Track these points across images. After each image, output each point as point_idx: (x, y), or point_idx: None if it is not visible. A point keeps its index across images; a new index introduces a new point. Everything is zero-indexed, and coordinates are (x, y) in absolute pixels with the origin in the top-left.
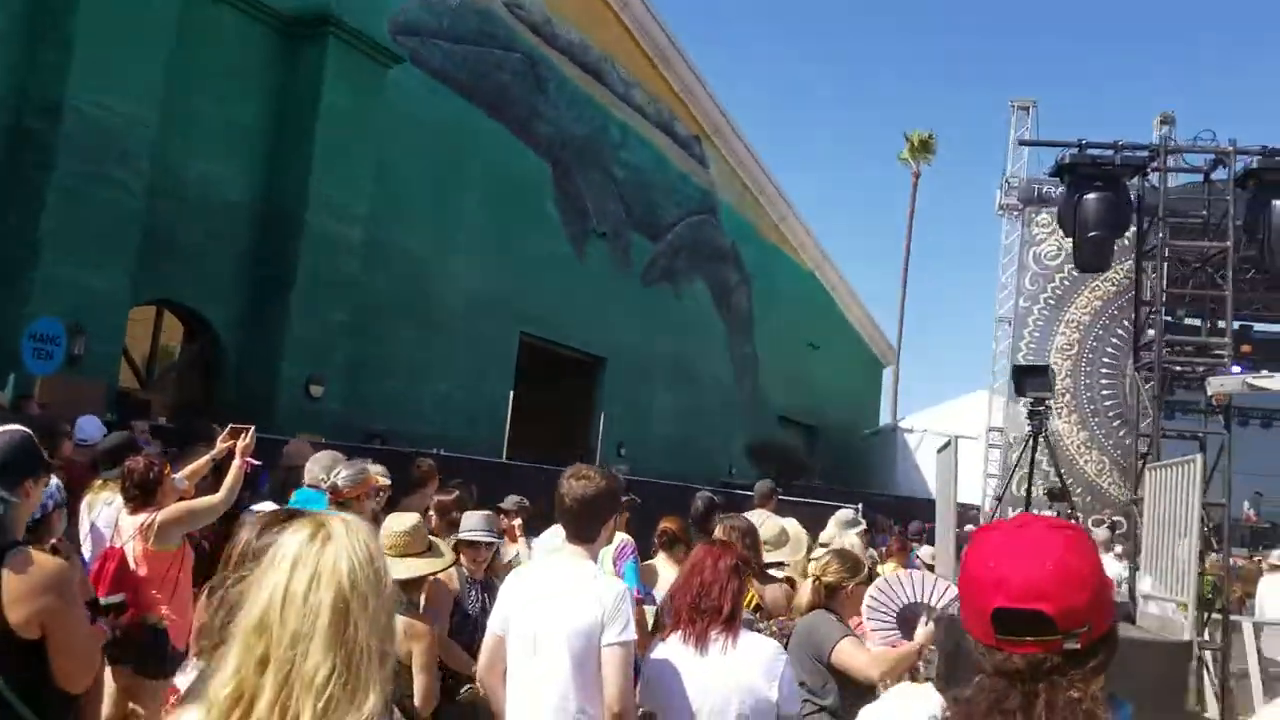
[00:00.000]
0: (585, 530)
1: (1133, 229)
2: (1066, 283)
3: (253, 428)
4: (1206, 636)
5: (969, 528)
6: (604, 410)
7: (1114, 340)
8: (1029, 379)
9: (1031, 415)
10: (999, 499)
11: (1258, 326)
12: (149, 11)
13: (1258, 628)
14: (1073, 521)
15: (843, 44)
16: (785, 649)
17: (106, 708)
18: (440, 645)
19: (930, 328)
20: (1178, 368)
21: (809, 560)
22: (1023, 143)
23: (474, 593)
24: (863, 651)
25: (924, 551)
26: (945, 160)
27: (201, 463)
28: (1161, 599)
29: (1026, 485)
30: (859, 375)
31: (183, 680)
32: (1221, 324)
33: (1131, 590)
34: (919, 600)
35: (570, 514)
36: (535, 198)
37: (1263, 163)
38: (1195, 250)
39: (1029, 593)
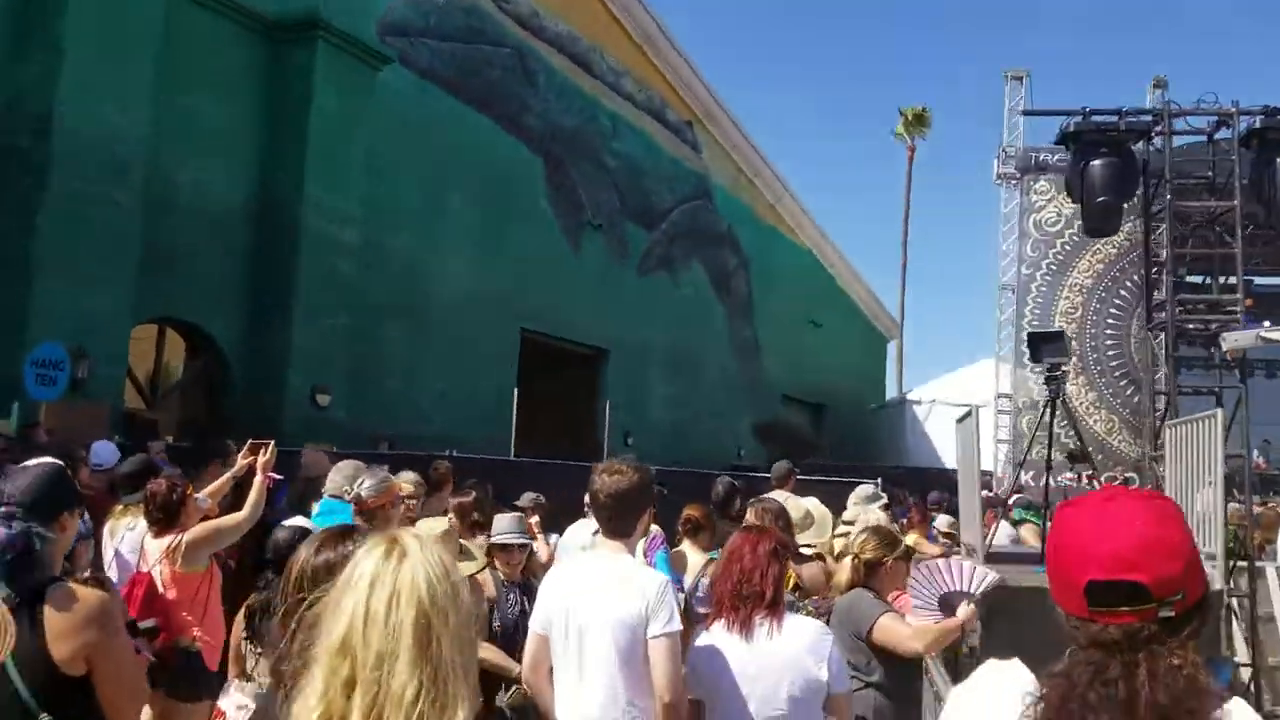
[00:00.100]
0: (621, 524)
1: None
2: (1068, 247)
3: (273, 442)
4: (1233, 584)
5: (984, 494)
6: (608, 401)
7: (1117, 301)
8: (1044, 345)
9: (1049, 380)
10: (1020, 465)
11: (1258, 280)
12: (135, 22)
13: None
14: (1095, 477)
15: (832, 20)
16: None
17: None
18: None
19: (932, 299)
20: (1190, 325)
21: (834, 539)
22: (1026, 112)
23: (512, 596)
24: (904, 625)
25: (941, 521)
26: (940, 133)
27: (223, 481)
28: None
29: (1047, 449)
30: (863, 350)
31: (227, 702)
32: (1229, 280)
33: None
34: (959, 588)
35: (605, 509)
36: (529, 192)
37: (1266, 122)
38: (1201, 210)
39: (1122, 564)
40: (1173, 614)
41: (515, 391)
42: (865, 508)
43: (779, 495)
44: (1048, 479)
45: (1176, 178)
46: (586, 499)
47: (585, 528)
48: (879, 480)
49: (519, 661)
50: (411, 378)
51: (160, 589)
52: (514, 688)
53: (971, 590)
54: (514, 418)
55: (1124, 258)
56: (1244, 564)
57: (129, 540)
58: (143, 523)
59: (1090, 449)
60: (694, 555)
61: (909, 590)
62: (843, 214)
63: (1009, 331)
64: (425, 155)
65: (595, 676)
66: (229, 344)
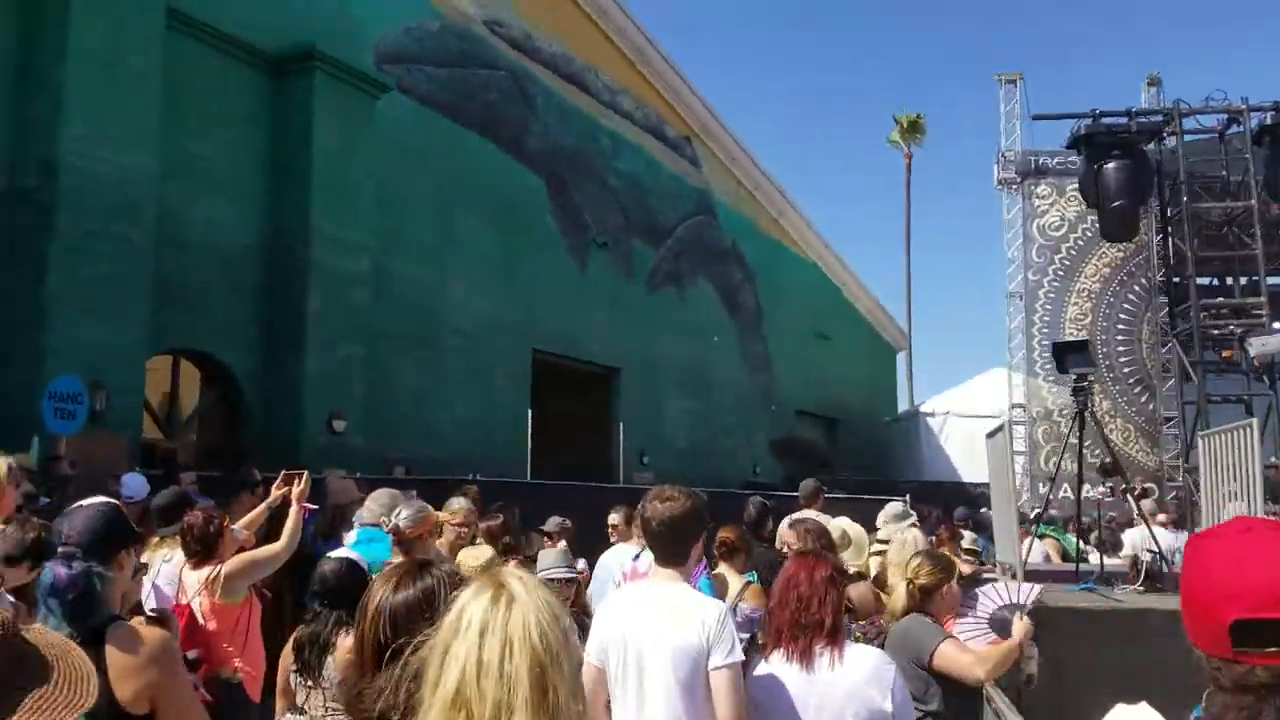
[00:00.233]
0: (674, 552)
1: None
2: (1074, 252)
3: (307, 473)
4: None
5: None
6: (622, 420)
7: (1126, 305)
8: (1070, 355)
9: (1076, 392)
10: (1052, 479)
11: (1270, 280)
12: (138, 61)
13: None
14: (1130, 491)
15: (824, 32)
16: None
17: None
18: None
19: (939, 308)
20: (1214, 331)
21: (870, 558)
22: (1036, 116)
23: None
24: (965, 652)
25: (965, 539)
26: (937, 140)
27: (259, 511)
28: None
29: (1077, 463)
30: (873, 363)
31: None
32: (1247, 281)
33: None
34: (1008, 602)
35: (658, 537)
36: (534, 213)
37: (1277, 118)
38: (1219, 211)
39: (1270, 600)
40: None
41: (529, 413)
42: (898, 526)
43: (809, 515)
44: (1079, 493)
45: (1190, 178)
46: (610, 521)
47: (623, 552)
48: (907, 497)
49: None
50: (426, 402)
51: (200, 621)
52: None
53: (1021, 602)
54: (529, 439)
55: (1131, 260)
56: None
57: (165, 572)
58: (178, 554)
59: (1106, 459)
60: (731, 578)
61: (956, 621)
62: (845, 225)
63: (1019, 340)
64: (429, 181)
65: (655, 708)
66: (244, 373)
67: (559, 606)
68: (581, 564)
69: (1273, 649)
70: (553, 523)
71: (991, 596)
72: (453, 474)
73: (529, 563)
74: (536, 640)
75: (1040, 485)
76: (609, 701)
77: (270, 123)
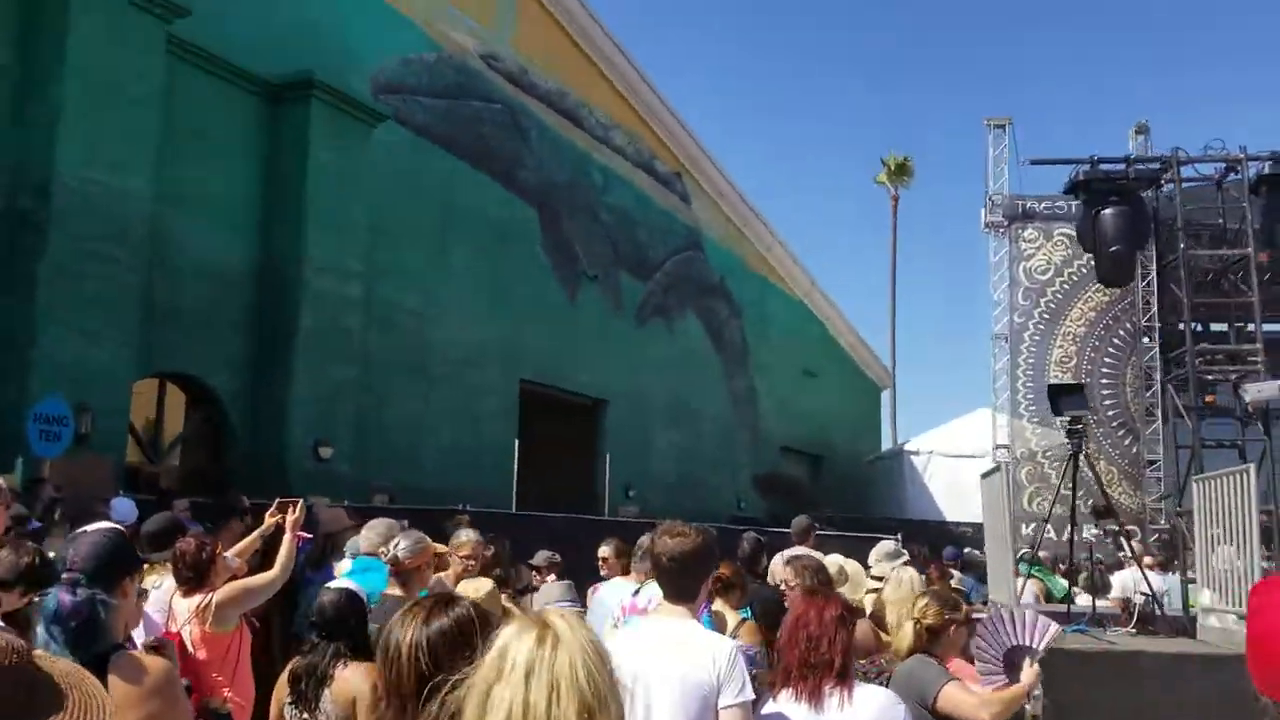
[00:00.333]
0: (684, 588)
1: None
2: (1059, 296)
3: (301, 501)
4: None
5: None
6: (608, 453)
7: (1111, 350)
8: (1064, 398)
9: (1070, 434)
10: (1046, 520)
11: (1266, 327)
12: (135, 84)
13: None
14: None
15: (814, 73)
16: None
17: None
18: None
19: (925, 348)
20: (1208, 376)
21: (865, 595)
22: (1032, 161)
23: None
24: (970, 694)
25: (953, 578)
26: (925, 181)
27: (252, 539)
28: (1223, 611)
29: (1071, 505)
30: (857, 400)
31: None
32: (1245, 328)
33: (1185, 603)
34: (1022, 642)
35: (668, 572)
36: (525, 245)
37: (1275, 168)
38: (1215, 258)
39: None
40: None
41: (516, 444)
42: (891, 564)
43: (801, 551)
44: (1073, 535)
45: (1187, 225)
46: (600, 554)
47: (621, 587)
48: (899, 536)
49: None
50: (413, 430)
51: (190, 649)
52: None
53: (1035, 645)
54: (514, 470)
55: (1116, 305)
56: None
57: (155, 599)
58: (168, 581)
59: (1090, 501)
60: (727, 615)
61: (973, 648)
62: (832, 262)
63: (1004, 382)
64: (422, 210)
65: None
66: (230, 397)
67: (604, 647)
68: (596, 597)
69: None
70: (541, 557)
71: (1008, 628)
72: (437, 503)
73: (518, 596)
74: (584, 683)
75: (1024, 526)
76: None
77: (266, 149)
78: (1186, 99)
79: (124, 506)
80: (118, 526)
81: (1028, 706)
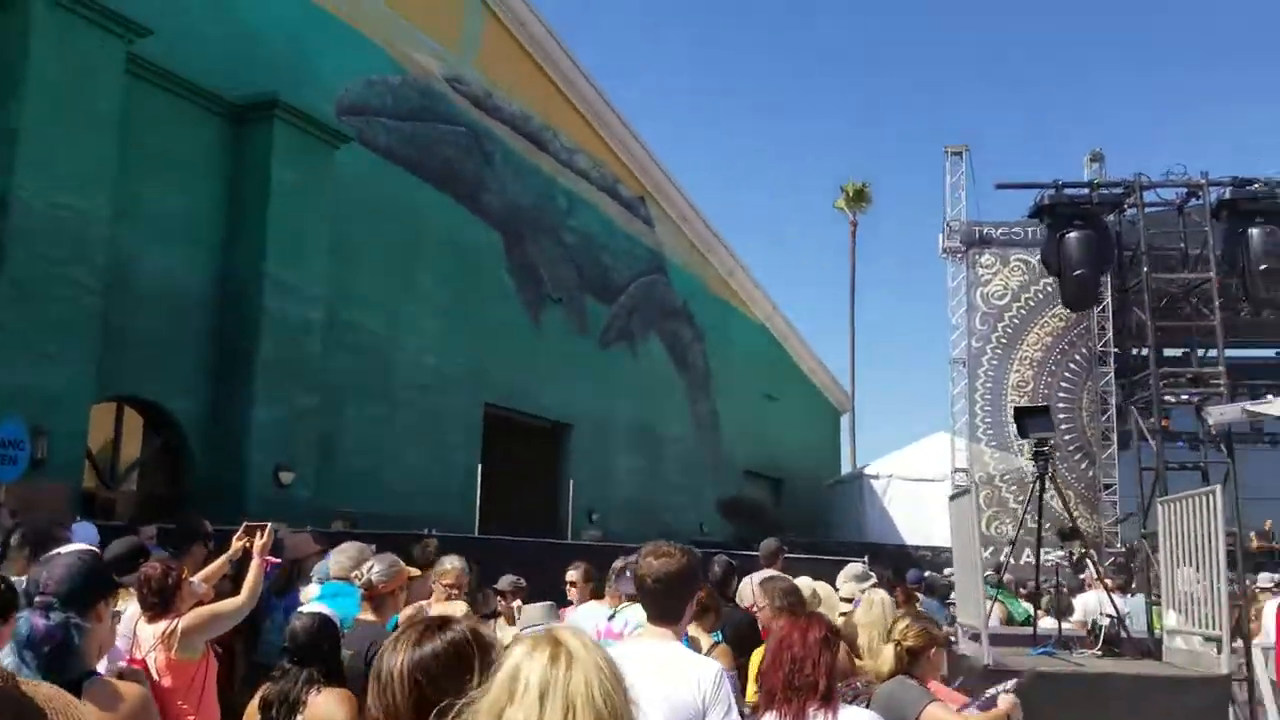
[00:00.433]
0: (668, 610)
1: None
2: (1016, 321)
3: (270, 525)
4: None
5: (948, 572)
6: (571, 477)
7: (1067, 374)
8: (1030, 420)
9: (1036, 456)
10: (1012, 543)
11: (1229, 352)
12: (95, 103)
13: (1266, 653)
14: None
15: (774, 99)
16: None
17: None
18: None
19: (884, 372)
20: (1171, 400)
21: (838, 618)
22: (999, 186)
23: None
24: (951, 716)
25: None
26: (885, 206)
27: (219, 564)
28: (1189, 633)
29: (1037, 528)
30: (818, 424)
31: None
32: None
33: (1150, 625)
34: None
35: (652, 594)
36: (490, 268)
37: (1235, 193)
38: (1177, 283)
39: None
40: None
41: (479, 468)
42: (860, 586)
43: (765, 574)
44: (1038, 557)
45: (1150, 250)
46: (568, 578)
47: (595, 611)
48: (866, 558)
49: None
50: (376, 455)
51: (155, 676)
52: None
53: (1008, 687)
54: (478, 494)
55: (1072, 330)
56: (1239, 644)
57: (119, 625)
58: (132, 607)
59: (1046, 524)
60: (701, 639)
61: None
62: (793, 288)
63: (962, 406)
64: (386, 233)
65: None
66: (189, 422)
67: (618, 665)
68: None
69: None
70: (506, 581)
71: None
72: (400, 528)
73: (484, 621)
74: (600, 703)
75: (983, 550)
76: None
77: (228, 169)
78: (1139, 129)
79: (86, 532)
80: (92, 548)
81: None
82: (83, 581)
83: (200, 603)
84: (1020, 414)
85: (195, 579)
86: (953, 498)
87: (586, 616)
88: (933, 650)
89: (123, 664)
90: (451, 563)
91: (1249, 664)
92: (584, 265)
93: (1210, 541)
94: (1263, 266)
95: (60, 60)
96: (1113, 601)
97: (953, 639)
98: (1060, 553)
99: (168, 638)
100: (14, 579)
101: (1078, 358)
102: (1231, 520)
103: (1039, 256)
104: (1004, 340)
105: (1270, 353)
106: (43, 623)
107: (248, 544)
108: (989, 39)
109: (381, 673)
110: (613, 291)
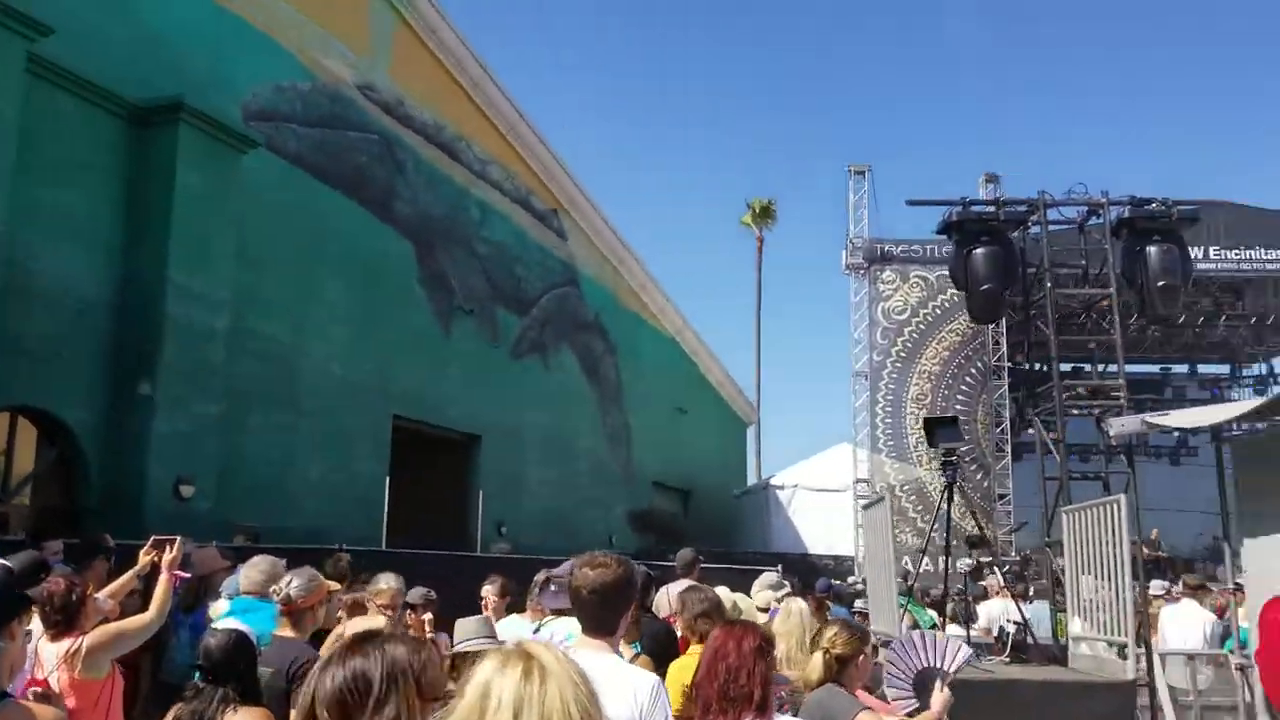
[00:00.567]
0: (604, 622)
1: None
2: (915, 335)
3: (179, 539)
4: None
5: (851, 580)
6: (481, 489)
7: (963, 388)
8: (939, 430)
9: (945, 466)
10: (923, 551)
11: (1128, 367)
12: None
13: (1163, 658)
14: (996, 565)
15: (683, 115)
16: None
17: None
18: None
19: (790, 385)
20: (1073, 412)
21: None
22: (910, 202)
23: None
24: None
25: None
26: (791, 222)
27: (126, 579)
28: (1093, 639)
29: (945, 536)
30: (725, 436)
31: None
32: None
33: (1054, 631)
34: (933, 664)
35: (587, 605)
36: (400, 278)
37: (1134, 212)
38: (1079, 298)
39: None
40: None
41: (387, 480)
42: (774, 594)
43: (683, 584)
44: (947, 565)
45: (1053, 265)
46: (483, 593)
47: (519, 625)
48: (779, 567)
49: None
50: (281, 468)
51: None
52: None
53: (948, 667)
54: (385, 507)
55: (968, 344)
56: (1141, 650)
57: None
58: (34, 625)
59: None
60: (623, 649)
61: (884, 670)
62: (701, 301)
63: (864, 418)
64: (295, 241)
65: None
66: (87, 433)
67: (590, 678)
68: (444, 639)
69: None
70: (416, 594)
71: (921, 652)
72: (303, 542)
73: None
74: (577, 718)
75: (935, 560)
76: None
77: (130, 173)
78: (1034, 151)
79: None
80: (5, 564)
81: None
82: None
83: (106, 620)
84: (930, 424)
85: (100, 595)
86: (866, 507)
87: (509, 631)
88: (861, 658)
89: (38, 687)
90: (387, 581)
91: (1150, 669)
92: (496, 276)
93: (1114, 549)
94: (1160, 283)
95: None
96: (1020, 609)
97: None
98: (969, 561)
99: (71, 657)
100: None
101: (974, 371)
102: (1134, 529)
103: (938, 273)
104: (904, 354)
105: (1155, 368)
106: None
107: (156, 558)
108: (890, 62)
109: (316, 693)
110: (525, 303)
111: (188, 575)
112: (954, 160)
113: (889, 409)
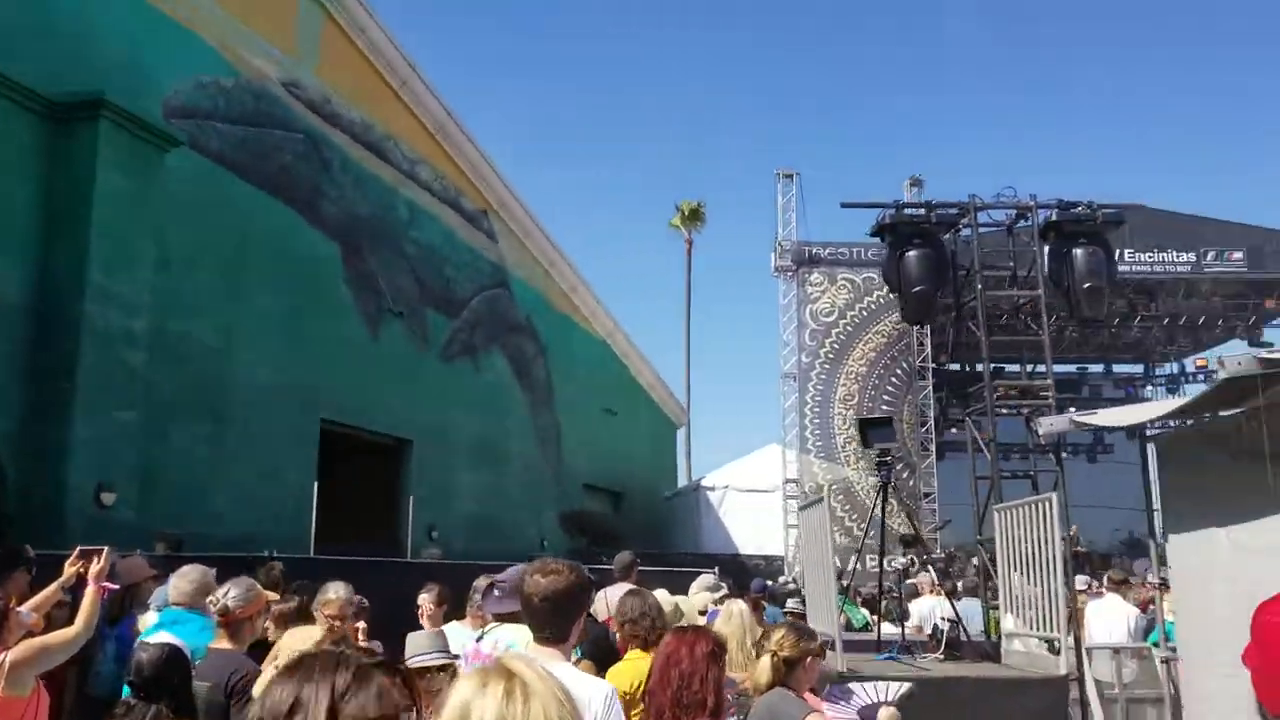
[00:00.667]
0: (557, 628)
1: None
2: (843, 337)
3: (106, 549)
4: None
5: (783, 580)
6: (411, 494)
7: (889, 388)
8: (873, 430)
9: (879, 465)
10: (858, 550)
11: (1057, 368)
12: None
13: (1089, 653)
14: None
15: (614, 115)
16: None
17: None
18: None
19: (721, 387)
20: (1004, 410)
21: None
22: (844, 205)
23: None
24: None
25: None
26: (721, 226)
27: (51, 591)
28: (1026, 635)
29: (880, 535)
30: (656, 438)
31: None
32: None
33: (987, 628)
34: (876, 701)
35: (540, 613)
36: (327, 280)
37: (1061, 215)
38: (1008, 300)
39: None
40: None
41: (315, 486)
42: (712, 596)
43: (619, 589)
44: (881, 564)
45: (983, 268)
46: (419, 601)
47: (460, 633)
48: (716, 569)
49: None
50: (206, 474)
51: None
52: None
53: (888, 699)
54: (313, 514)
55: (893, 346)
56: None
57: None
58: None
59: (872, 532)
60: None
61: (825, 698)
62: (632, 303)
63: (793, 419)
64: (219, 241)
65: None
66: (2, 439)
67: (571, 694)
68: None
69: None
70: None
71: (861, 695)
72: (229, 550)
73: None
74: None
75: (868, 558)
76: None
77: (48, 172)
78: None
79: None
80: None
81: None
82: None
83: (30, 634)
84: (864, 425)
85: (24, 608)
86: (804, 508)
87: (452, 639)
88: (808, 660)
89: None
90: (336, 591)
91: (1079, 664)
92: (426, 278)
93: (1046, 546)
94: (1086, 285)
95: None
96: (953, 606)
97: None
98: (903, 559)
99: None
100: None
101: (899, 372)
102: (1065, 526)
103: (865, 275)
104: (831, 356)
105: (1072, 368)
106: None
107: (82, 569)
108: (820, 67)
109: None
110: (455, 305)
111: (116, 587)
112: (882, 164)
113: (817, 410)
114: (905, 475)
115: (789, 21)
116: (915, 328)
